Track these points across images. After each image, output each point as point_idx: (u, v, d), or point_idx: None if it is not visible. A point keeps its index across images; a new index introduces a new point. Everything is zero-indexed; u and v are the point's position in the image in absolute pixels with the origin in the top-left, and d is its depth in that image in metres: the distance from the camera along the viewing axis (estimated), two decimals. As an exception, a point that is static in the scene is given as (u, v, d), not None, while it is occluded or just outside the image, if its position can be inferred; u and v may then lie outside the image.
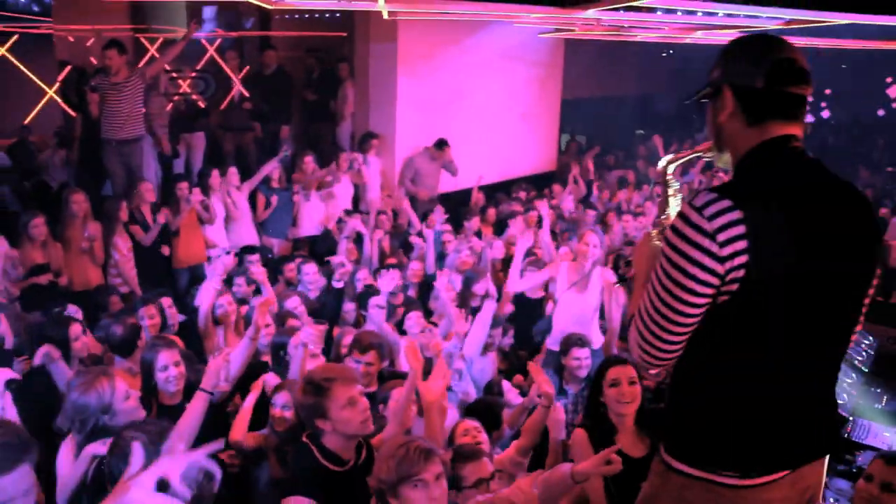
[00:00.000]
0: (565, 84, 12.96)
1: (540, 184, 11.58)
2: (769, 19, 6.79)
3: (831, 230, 1.92)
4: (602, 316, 5.81)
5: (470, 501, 2.89)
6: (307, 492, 2.84)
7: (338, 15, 11.28)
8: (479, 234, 8.53)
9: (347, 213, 8.18)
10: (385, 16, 8.22)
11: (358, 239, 7.40)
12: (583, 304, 5.64)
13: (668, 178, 2.40)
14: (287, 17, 11.78)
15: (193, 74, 10.74)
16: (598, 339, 5.62)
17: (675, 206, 2.38)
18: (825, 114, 16.10)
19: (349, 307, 6.05)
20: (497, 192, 10.73)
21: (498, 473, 3.29)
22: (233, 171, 7.99)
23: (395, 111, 9.90)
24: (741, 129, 2.00)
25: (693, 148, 2.33)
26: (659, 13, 7.12)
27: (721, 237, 1.83)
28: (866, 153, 14.84)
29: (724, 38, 9.85)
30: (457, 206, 9.90)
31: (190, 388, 3.91)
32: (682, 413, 2.11)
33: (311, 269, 6.53)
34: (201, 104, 10.77)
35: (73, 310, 5.33)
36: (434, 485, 2.53)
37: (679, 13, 6.87)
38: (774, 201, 1.86)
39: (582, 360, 4.75)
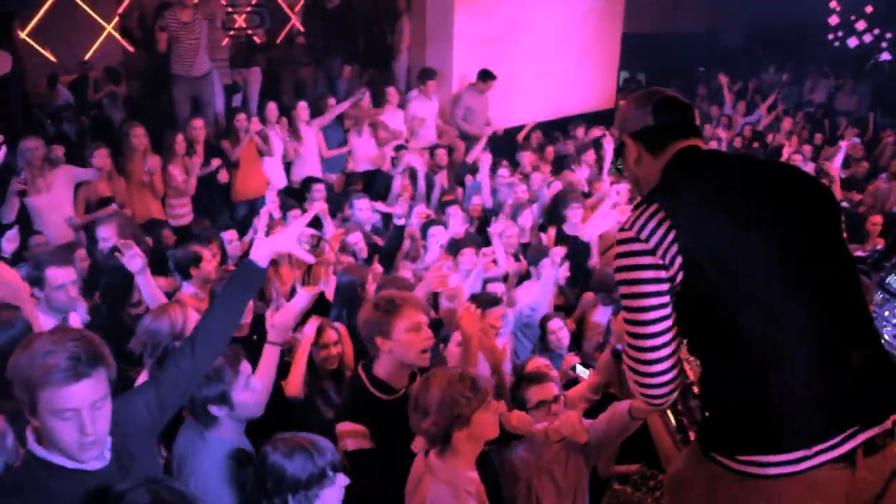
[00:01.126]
0: (626, 17, 12.55)
1: (598, 121, 11.33)
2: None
3: (752, 196, 2.06)
4: None
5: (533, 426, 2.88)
6: (356, 419, 2.89)
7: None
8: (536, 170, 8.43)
9: (399, 148, 8.12)
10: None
11: (412, 175, 7.37)
12: None
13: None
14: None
15: (248, 9, 10.66)
16: None
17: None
18: (884, 56, 15.34)
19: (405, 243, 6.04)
20: (554, 129, 10.54)
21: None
22: (302, 106, 8.03)
23: (451, 46, 9.70)
24: (650, 162, 2.26)
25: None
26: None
27: (644, 233, 2.03)
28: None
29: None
30: (513, 141, 9.77)
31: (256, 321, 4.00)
32: (711, 409, 2.20)
33: (363, 204, 6.46)
34: (257, 39, 10.74)
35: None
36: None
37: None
38: (686, 187, 2.09)
39: None
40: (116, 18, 9.93)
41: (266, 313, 3.39)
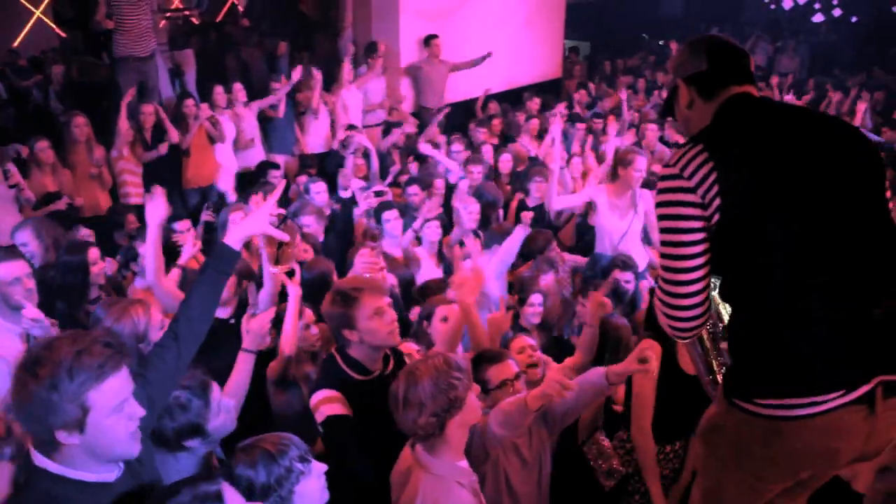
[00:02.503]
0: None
1: (545, 91, 11.31)
2: None
3: (797, 148, 2.06)
4: (647, 240, 5.75)
5: (502, 402, 2.84)
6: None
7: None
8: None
9: (351, 127, 7.96)
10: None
11: (365, 154, 7.25)
12: (625, 228, 5.52)
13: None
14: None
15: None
16: (642, 262, 5.52)
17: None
18: (836, 12, 15.67)
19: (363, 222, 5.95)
20: (502, 101, 10.48)
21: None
22: (238, 88, 7.77)
23: (398, 21, 9.56)
24: (702, 107, 2.25)
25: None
26: None
27: (687, 171, 2.07)
28: (881, 52, 14.33)
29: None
30: (462, 115, 9.70)
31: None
32: (736, 354, 2.25)
33: (319, 187, 6.31)
34: (194, 20, 10.40)
35: (87, 233, 5.22)
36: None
37: None
38: (737, 136, 2.10)
39: (622, 283, 4.75)
40: (46, 1, 9.51)
41: (242, 320, 3.34)
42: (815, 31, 15.53)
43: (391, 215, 5.58)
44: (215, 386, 2.65)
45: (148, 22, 7.37)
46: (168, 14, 9.91)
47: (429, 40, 9.47)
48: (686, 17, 15.63)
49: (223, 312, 3.90)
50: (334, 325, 3.01)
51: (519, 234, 5.01)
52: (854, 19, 15.44)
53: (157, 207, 3.86)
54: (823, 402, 2.04)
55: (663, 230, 2.13)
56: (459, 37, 10.17)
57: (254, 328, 3.21)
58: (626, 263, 4.84)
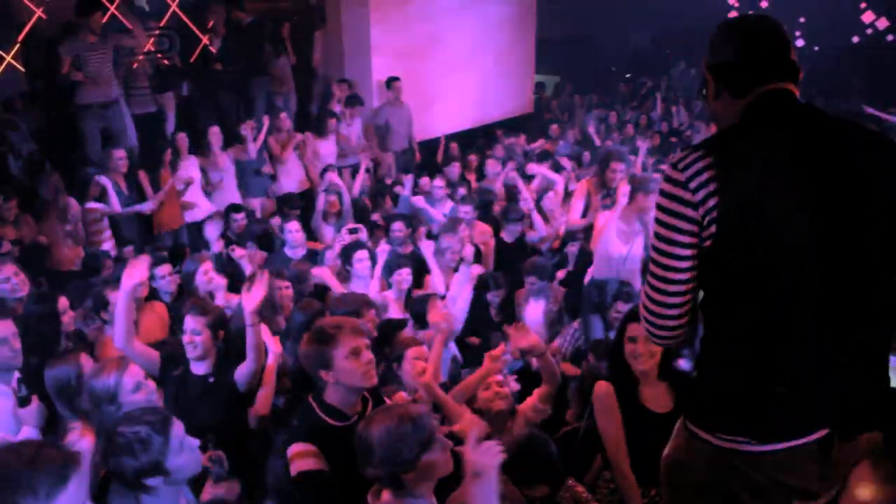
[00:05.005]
0: (539, 24, 12.74)
1: (516, 127, 11.43)
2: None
3: (818, 170, 1.87)
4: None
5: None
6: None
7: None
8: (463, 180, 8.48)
9: (326, 168, 7.98)
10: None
11: (338, 191, 7.29)
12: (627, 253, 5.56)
13: None
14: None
15: (157, 32, 10.32)
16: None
17: None
18: (799, 42, 15.99)
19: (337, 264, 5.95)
20: (475, 137, 10.58)
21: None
22: (214, 132, 7.77)
23: (369, 60, 9.66)
24: (729, 101, 2.05)
25: None
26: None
27: (693, 184, 1.92)
28: (844, 82, 14.62)
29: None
30: (433, 154, 9.78)
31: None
32: (701, 382, 2.16)
33: (293, 226, 6.34)
34: (166, 62, 10.39)
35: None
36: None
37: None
38: (745, 144, 1.92)
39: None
40: (17, 46, 9.46)
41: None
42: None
43: (362, 255, 5.58)
44: (178, 423, 2.57)
45: (110, 68, 7.38)
46: (140, 57, 9.87)
47: (390, 83, 9.45)
48: (655, 50, 15.88)
49: (200, 368, 3.74)
50: (311, 364, 2.96)
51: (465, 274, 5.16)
52: (816, 48, 15.80)
53: (135, 272, 3.72)
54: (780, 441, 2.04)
55: (658, 235, 2.03)
56: (431, 75, 10.27)
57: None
58: (629, 295, 4.92)
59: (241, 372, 3.58)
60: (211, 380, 3.72)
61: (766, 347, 1.96)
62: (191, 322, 3.67)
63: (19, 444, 1.91)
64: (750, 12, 2.07)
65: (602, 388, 3.39)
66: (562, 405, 3.98)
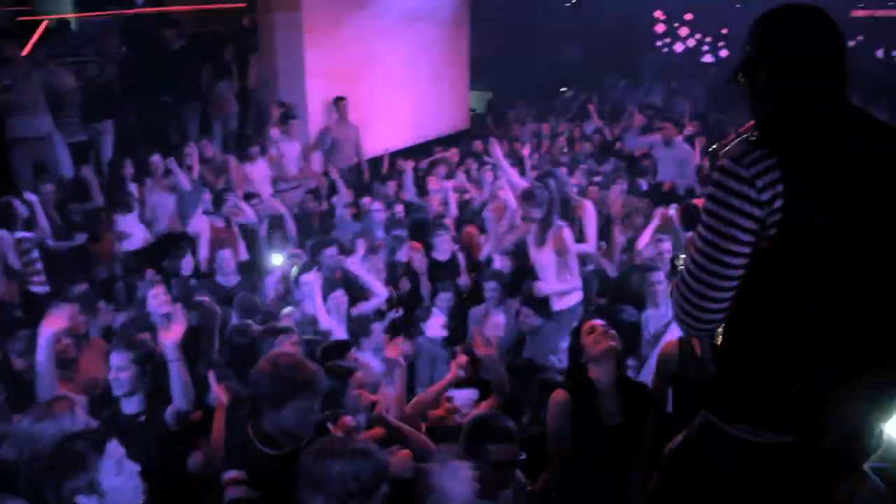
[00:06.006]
0: (472, 41, 12.90)
1: (453, 143, 11.52)
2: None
3: (874, 180, 1.91)
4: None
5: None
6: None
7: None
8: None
9: (250, 196, 7.92)
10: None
11: (279, 218, 7.26)
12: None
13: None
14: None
15: (86, 59, 10.13)
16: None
17: None
18: (723, 53, 16.50)
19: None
20: (413, 155, 10.63)
21: None
22: (155, 160, 7.65)
23: (304, 83, 9.64)
24: (777, 95, 2.02)
25: (738, 131, 2.27)
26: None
27: (759, 182, 1.87)
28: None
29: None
30: (374, 172, 9.80)
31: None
32: (726, 373, 2.12)
33: (226, 254, 6.34)
34: (92, 89, 10.18)
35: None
36: None
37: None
38: (810, 145, 1.90)
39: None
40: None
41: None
42: (705, 72, 16.30)
43: (310, 278, 5.59)
44: (118, 445, 2.55)
45: (42, 101, 7.22)
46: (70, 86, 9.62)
47: (337, 102, 9.54)
48: (585, 63, 16.23)
49: (130, 406, 3.62)
50: (260, 393, 2.90)
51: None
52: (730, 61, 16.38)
53: (53, 321, 3.61)
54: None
55: (712, 229, 1.95)
56: (367, 96, 10.31)
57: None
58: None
59: (170, 409, 3.49)
60: (142, 418, 3.61)
61: (800, 346, 1.97)
62: (115, 358, 3.57)
63: None
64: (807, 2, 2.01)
65: (559, 396, 3.46)
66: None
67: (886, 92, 12.12)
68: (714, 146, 2.25)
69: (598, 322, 3.56)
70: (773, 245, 1.91)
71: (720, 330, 2.12)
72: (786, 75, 2.00)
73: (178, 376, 3.41)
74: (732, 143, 2.05)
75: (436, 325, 5.82)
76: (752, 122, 2.17)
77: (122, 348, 3.60)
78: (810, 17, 2.01)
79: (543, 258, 5.56)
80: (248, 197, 7.61)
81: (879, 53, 15.25)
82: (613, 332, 3.50)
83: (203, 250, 6.75)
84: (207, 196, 7.32)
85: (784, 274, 1.93)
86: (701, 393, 2.22)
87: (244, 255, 6.83)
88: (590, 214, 6.08)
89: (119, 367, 3.55)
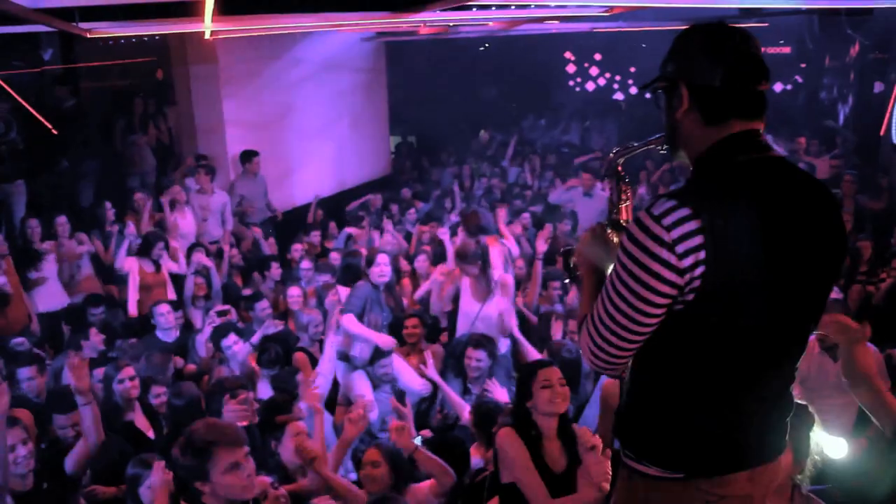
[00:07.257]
0: (390, 87, 12.94)
1: (375, 189, 11.46)
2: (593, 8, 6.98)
3: (794, 235, 1.83)
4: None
5: None
6: None
7: (146, 39, 10.57)
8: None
9: (192, 247, 7.67)
10: (207, 35, 7.75)
11: (206, 272, 7.02)
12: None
13: (620, 171, 2.28)
14: (97, 44, 10.83)
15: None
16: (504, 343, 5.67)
17: (625, 201, 2.30)
18: (633, 90, 17.00)
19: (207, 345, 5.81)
20: (336, 203, 10.54)
21: None
22: (61, 222, 7.27)
23: (223, 134, 9.46)
24: (698, 127, 1.90)
25: (645, 141, 2.21)
26: (493, 9, 7.15)
27: (680, 248, 1.76)
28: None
29: (554, 26, 10.16)
30: (298, 223, 9.64)
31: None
32: (640, 413, 2.05)
33: (163, 309, 6.13)
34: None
35: None
36: None
37: (512, 7, 6.90)
38: (733, 208, 1.78)
39: (474, 361, 4.90)
40: None
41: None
42: (617, 109, 16.77)
43: (230, 341, 5.43)
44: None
45: None
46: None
47: (249, 157, 9.30)
48: (498, 102, 16.50)
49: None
50: (185, 474, 2.79)
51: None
52: (648, 95, 16.84)
53: None
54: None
55: (626, 285, 1.84)
56: (288, 145, 10.19)
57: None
58: (478, 342, 4.99)
59: (72, 454, 3.40)
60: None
61: (720, 389, 1.92)
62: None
63: None
64: (738, 25, 1.76)
65: (507, 433, 3.36)
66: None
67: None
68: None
69: (556, 375, 3.43)
70: (688, 308, 1.83)
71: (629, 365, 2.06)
72: (712, 107, 1.87)
73: (86, 420, 3.55)
74: (657, 200, 1.87)
75: None
76: (660, 138, 2.10)
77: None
78: (738, 48, 1.86)
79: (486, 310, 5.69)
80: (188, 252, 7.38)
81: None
82: (567, 389, 3.43)
83: (132, 293, 6.47)
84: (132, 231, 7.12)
85: (698, 333, 1.87)
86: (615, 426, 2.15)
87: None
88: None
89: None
